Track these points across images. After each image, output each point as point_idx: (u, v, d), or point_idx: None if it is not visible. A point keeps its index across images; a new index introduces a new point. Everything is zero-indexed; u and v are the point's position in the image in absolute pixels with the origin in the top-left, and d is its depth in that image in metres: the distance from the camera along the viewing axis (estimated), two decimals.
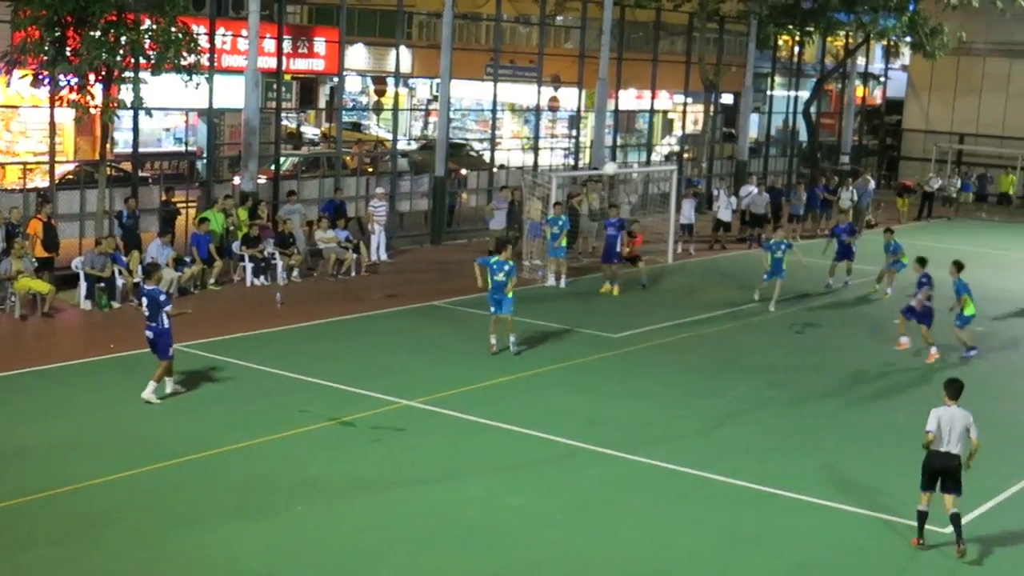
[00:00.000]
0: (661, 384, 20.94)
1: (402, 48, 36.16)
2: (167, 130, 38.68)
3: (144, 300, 18.45)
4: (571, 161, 41.94)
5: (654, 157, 46.81)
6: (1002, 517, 15.49)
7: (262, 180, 31.09)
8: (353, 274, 29.00)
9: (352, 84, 50.13)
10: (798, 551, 14.17)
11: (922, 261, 24.49)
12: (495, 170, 37.58)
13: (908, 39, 47.97)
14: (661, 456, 16.97)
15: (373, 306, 25.84)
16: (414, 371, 20.83)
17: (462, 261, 31.68)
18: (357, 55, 44.54)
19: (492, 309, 22.10)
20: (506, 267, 21.97)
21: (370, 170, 36.95)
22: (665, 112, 51.93)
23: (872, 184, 42.73)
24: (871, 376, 22.40)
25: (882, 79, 58.62)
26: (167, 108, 31.41)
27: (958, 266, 23.73)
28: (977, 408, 20.42)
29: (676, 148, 48.09)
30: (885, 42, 52.53)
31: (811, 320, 26.62)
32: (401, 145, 37.91)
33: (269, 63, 31.27)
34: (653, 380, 21.17)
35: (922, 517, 14.22)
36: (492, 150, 38.48)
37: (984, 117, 52.41)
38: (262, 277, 27.58)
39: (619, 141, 45.07)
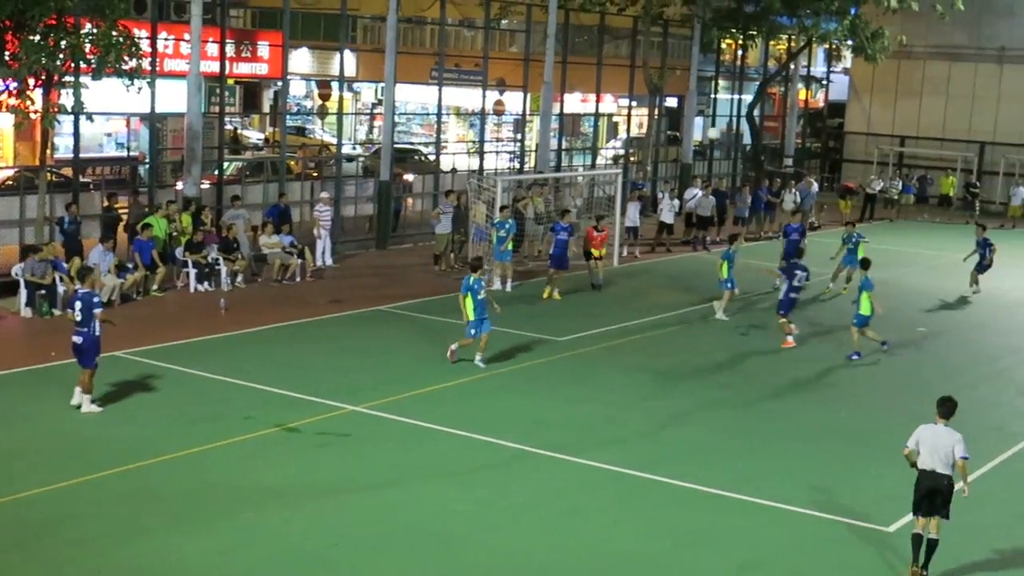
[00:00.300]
0: (608, 387, 21.00)
1: (346, 52, 36.03)
2: (109, 135, 38.37)
3: (77, 304, 18.05)
4: (516, 165, 41.98)
5: (599, 160, 46.94)
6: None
7: (205, 185, 30.86)
8: (298, 279, 28.84)
9: (296, 88, 49.96)
10: (742, 551, 14.27)
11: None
12: (445, 174, 37.51)
13: (849, 43, 48.41)
14: (608, 459, 17.02)
15: (318, 311, 25.72)
16: (360, 376, 20.75)
17: (408, 266, 31.71)
18: (301, 59, 44.37)
19: (472, 332, 21.37)
20: (484, 284, 21.90)
21: (315, 175, 36.81)
22: (610, 115, 52.12)
23: (815, 186, 43.12)
24: (815, 377, 22.60)
25: (824, 82, 59.13)
26: (108, 113, 31.13)
27: (864, 264, 24.03)
28: (914, 408, 20.71)
29: (621, 151, 48.24)
30: (827, 46, 53.09)
31: (757, 322, 26.78)
32: (346, 149, 37.82)
33: (212, 67, 31.05)
34: (600, 383, 21.23)
35: (916, 541, 13.64)
36: (438, 154, 38.46)
37: (924, 120, 53.00)
38: (206, 283, 27.37)
39: (564, 144, 45.14)
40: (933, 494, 13.56)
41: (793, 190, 40.60)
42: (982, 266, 31.13)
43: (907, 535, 14.08)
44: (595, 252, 29.50)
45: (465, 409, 19.19)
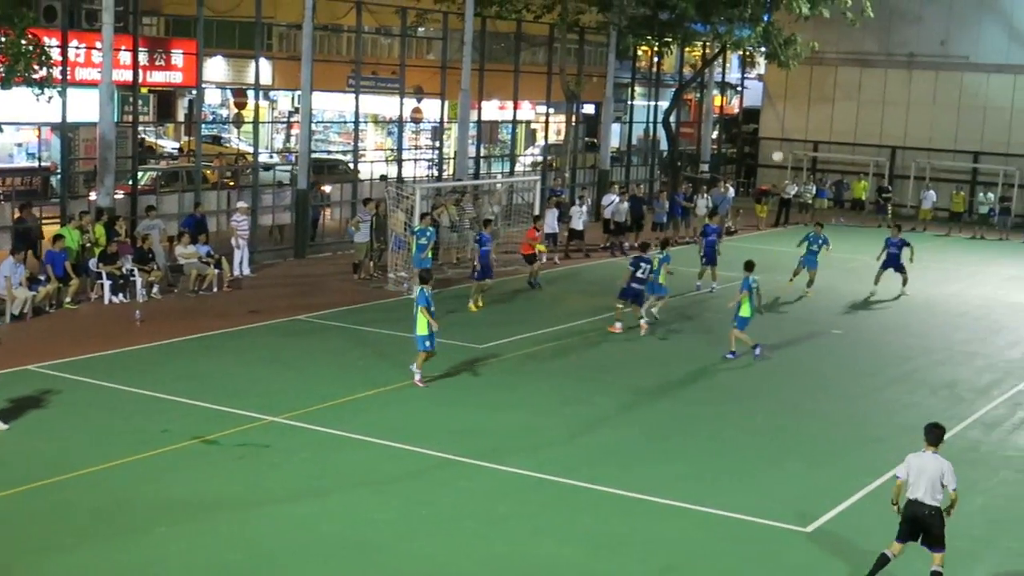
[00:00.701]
0: (527, 393, 21.04)
1: (262, 60, 35.78)
2: (19, 145, 37.72)
3: None
4: (435, 172, 41.93)
5: (518, 167, 47.05)
6: (857, 518, 15.87)
7: (119, 195, 30.46)
8: (215, 290, 28.55)
9: (211, 97, 49.50)
10: (662, 555, 14.37)
11: (644, 246, 27.48)
12: (368, 182, 37.34)
13: (763, 49, 49.05)
14: (528, 465, 17.04)
15: (236, 322, 25.48)
16: (279, 387, 20.58)
17: (327, 275, 31.53)
18: (216, 67, 43.95)
19: (428, 345, 20.94)
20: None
21: (231, 184, 36.49)
22: (528, 122, 52.29)
23: (731, 192, 43.57)
24: (732, 380, 22.82)
25: (739, 88, 59.81)
26: (19, 123, 30.59)
27: (748, 266, 24.48)
28: (828, 409, 21.03)
29: (539, 158, 48.42)
30: (741, 52, 53.64)
31: (676, 327, 26.97)
32: (263, 158, 37.55)
33: (125, 76, 30.67)
34: (519, 390, 21.26)
35: (881, 560, 13.42)
36: (355, 162, 38.29)
37: (837, 125, 53.80)
38: (120, 295, 26.97)
39: (483, 152, 45.19)
40: (915, 522, 13.26)
41: (705, 195, 41.04)
42: (888, 264, 31.76)
43: (825, 534, 14.26)
44: (541, 247, 31.02)
45: (386, 418, 19.11)
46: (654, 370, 23.06)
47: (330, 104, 47.89)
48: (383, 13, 40.13)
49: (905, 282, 31.93)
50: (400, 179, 37.20)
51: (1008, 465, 18.28)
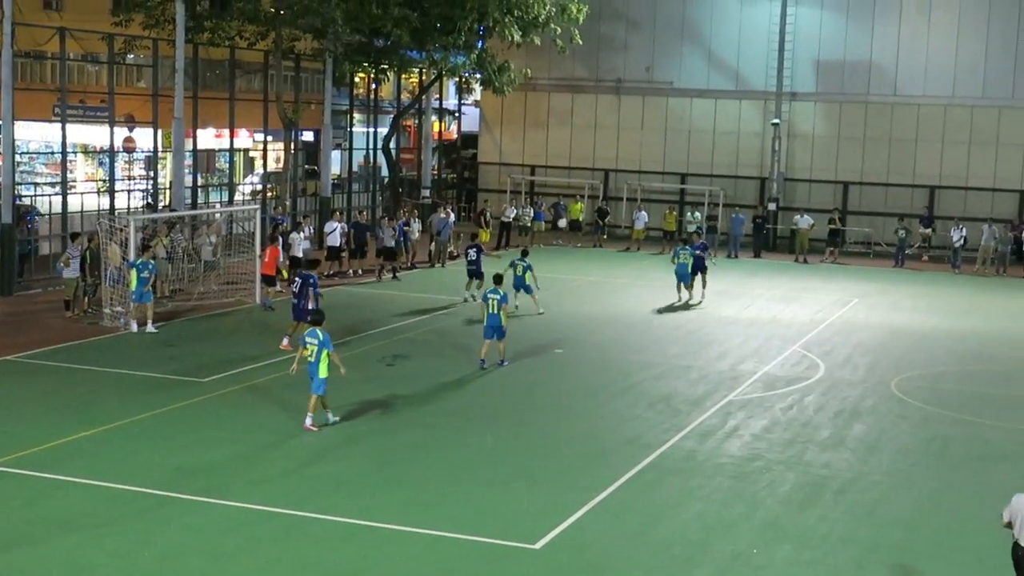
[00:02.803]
0: (251, 426, 20.59)
1: None
2: None
3: None
4: (150, 202, 40.68)
5: (237, 196, 46.23)
6: (580, 533, 16.21)
7: None
8: None
9: None
10: None
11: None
12: (79, 214, 35.84)
13: (478, 75, 49.84)
14: (255, 499, 16.69)
15: None
16: None
17: (37, 312, 30.14)
18: None
19: (323, 389, 20.36)
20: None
21: None
22: (246, 150, 51.45)
23: (452, 216, 43.93)
24: (460, 403, 22.98)
25: (456, 114, 60.55)
26: None
27: (497, 279, 26.26)
28: (554, 429, 21.46)
29: (259, 186, 47.67)
30: (457, 78, 54.41)
31: (401, 351, 26.97)
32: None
33: None
34: (243, 423, 20.80)
35: None
36: (64, 194, 36.64)
37: (552, 149, 55.13)
38: None
39: (200, 181, 44.17)
40: (1017, 566, 12.73)
41: (416, 219, 41.48)
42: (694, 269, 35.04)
43: (554, 549, 14.48)
44: (284, 272, 31.62)
45: (102, 459, 18.37)
46: (379, 395, 22.89)
47: (35, 134, 45.86)
48: (89, 40, 38.81)
49: (705, 284, 35.18)
50: (113, 211, 35.92)
51: (722, 472, 19.05)
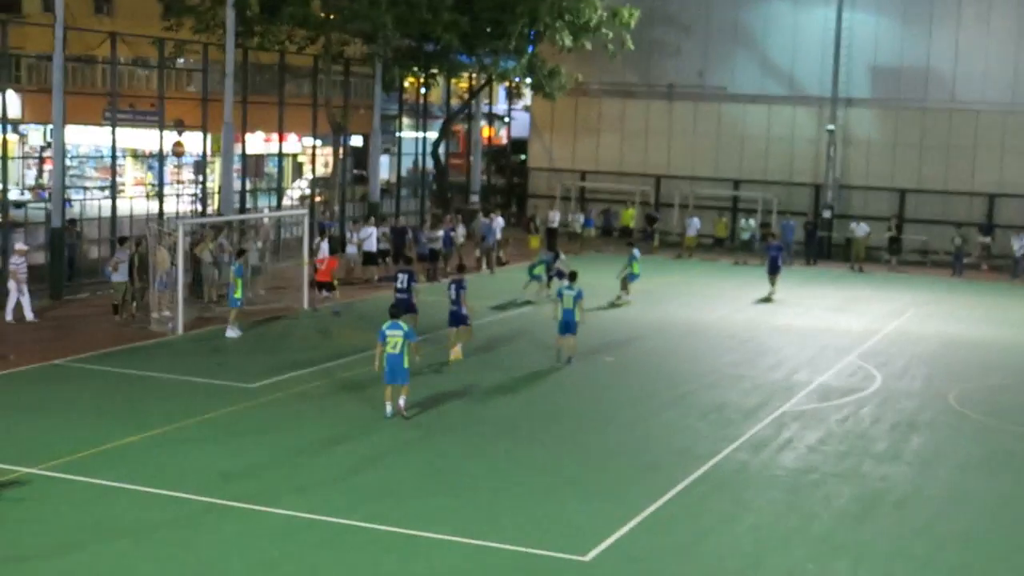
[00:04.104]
0: (298, 433, 20.40)
1: (9, 92, 34.08)
2: None
3: None
4: (199, 207, 40.74)
5: (285, 201, 46.21)
6: (631, 546, 15.86)
7: None
8: None
9: None
10: None
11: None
12: (129, 218, 35.89)
13: (528, 80, 49.60)
14: (301, 506, 16.47)
15: None
16: (35, 436, 19.44)
17: (86, 316, 30.15)
18: None
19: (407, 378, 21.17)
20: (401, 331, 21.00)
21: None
22: (295, 155, 51.47)
23: (500, 222, 43.55)
24: (511, 414, 22.67)
25: (506, 119, 60.33)
26: None
27: (572, 276, 26.79)
28: (603, 440, 21.12)
29: (307, 191, 47.65)
30: (507, 83, 54.17)
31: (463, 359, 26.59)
32: (14, 195, 35.72)
33: None
34: (290, 429, 20.61)
35: None
36: (113, 198, 36.66)
37: (603, 155, 54.75)
38: None
39: (248, 186, 44.18)
40: None
41: (459, 225, 41.22)
42: (771, 268, 37.68)
43: (604, 561, 14.14)
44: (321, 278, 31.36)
45: (149, 464, 18.23)
46: (426, 405, 22.61)
47: (85, 138, 46.06)
48: (139, 44, 38.90)
49: (773, 284, 37.52)
50: (161, 215, 35.93)
51: (775, 484, 18.62)
